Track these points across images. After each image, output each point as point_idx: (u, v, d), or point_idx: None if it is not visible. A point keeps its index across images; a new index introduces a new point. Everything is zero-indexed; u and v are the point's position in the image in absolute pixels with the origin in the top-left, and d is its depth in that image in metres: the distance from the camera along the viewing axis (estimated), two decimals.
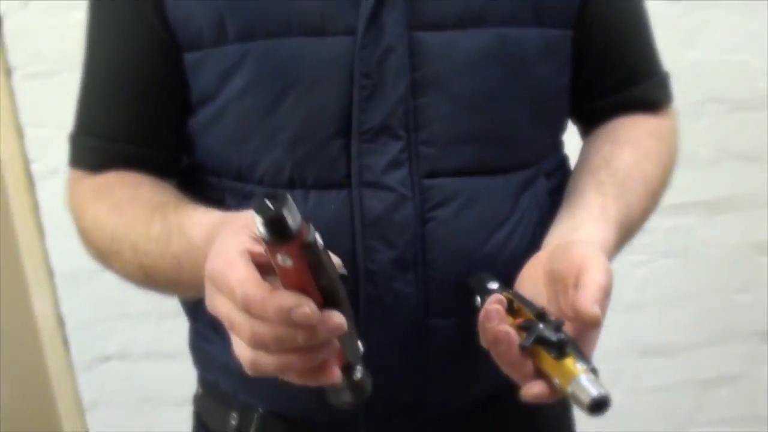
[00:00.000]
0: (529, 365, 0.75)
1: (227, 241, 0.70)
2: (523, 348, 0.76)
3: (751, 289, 1.96)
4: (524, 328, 0.77)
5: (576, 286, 0.75)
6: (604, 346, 1.94)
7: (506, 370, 0.76)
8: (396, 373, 0.92)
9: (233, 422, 1.01)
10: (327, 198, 0.88)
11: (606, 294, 0.75)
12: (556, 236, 0.87)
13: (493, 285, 0.85)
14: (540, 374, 0.75)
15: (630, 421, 2.02)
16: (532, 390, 0.74)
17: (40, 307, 1.93)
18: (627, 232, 0.91)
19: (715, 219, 1.91)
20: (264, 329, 0.65)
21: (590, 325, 0.74)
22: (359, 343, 0.73)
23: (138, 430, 1.95)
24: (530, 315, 0.78)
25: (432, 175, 0.88)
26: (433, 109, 0.87)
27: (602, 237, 0.85)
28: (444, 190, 0.88)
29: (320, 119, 0.86)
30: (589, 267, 0.76)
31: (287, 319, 0.64)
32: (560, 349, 0.73)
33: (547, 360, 0.74)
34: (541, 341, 0.75)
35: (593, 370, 0.72)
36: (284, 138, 0.87)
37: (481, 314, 0.77)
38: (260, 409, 0.98)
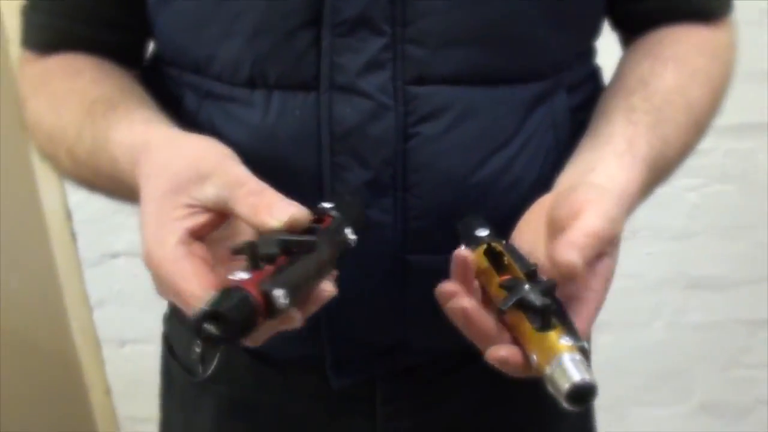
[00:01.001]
0: (505, 337, 0.64)
1: (161, 228, 0.63)
2: (500, 312, 0.63)
3: None
4: (506, 287, 0.64)
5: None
6: (645, 275, 1.83)
7: (478, 344, 0.65)
8: (369, 314, 0.80)
9: (197, 350, 0.89)
10: (292, 101, 0.74)
11: (597, 242, 0.63)
12: (570, 175, 0.73)
13: (483, 232, 0.71)
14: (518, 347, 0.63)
15: (668, 357, 1.90)
16: (499, 352, 0.62)
17: (48, 199, 1.87)
18: (660, 171, 0.76)
19: None
20: None
21: (565, 277, 0.62)
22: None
23: (145, 330, 1.88)
24: (520, 273, 0.65)
25: (420, 81, 0.73)
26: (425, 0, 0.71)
27: (624, 179, 0.70)
28: (433, 101, 0.74)
29: (286, 5, 0.72)
30: (584, 212, 0.62)
31: None
32: (544, 318, 0.60)
33: (528, 330, 0.61)
34: (523, 305, 0.62)
35: (582, 350, 0.59)
36: (243, 27, 0.73)
37: (438, 288, 0.65)
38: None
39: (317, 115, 0.73)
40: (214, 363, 0.87)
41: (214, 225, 0.65)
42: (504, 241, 0.69)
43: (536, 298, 0.61)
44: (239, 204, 0.63)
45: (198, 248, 0.63)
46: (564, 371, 0.57)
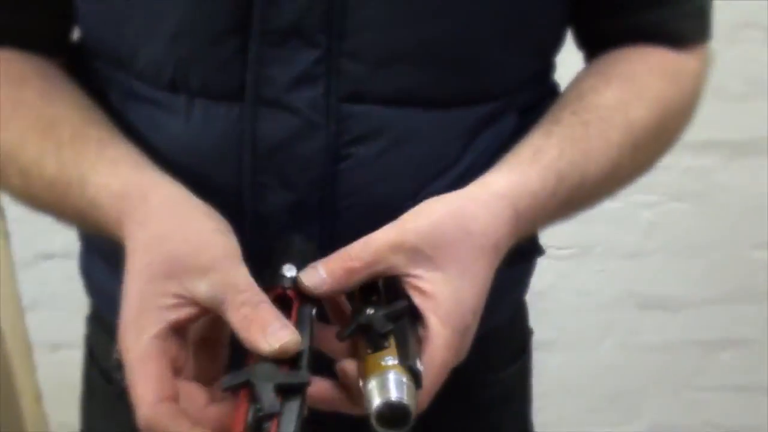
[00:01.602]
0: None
1: (142, 313, 0.59)
2: (341, 338, 0.61)
3: None
4: (355, 311, 0.62)
5: None
6: (597, 294, 1.79)
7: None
8: None
9: (116, 356, 0.83)
10: (214, 112, 0.68)
11: (357, 252, 0.62)
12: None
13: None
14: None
15: (618, 378, 1.87)
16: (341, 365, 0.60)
17: None
18: (579, 186, 0.69)
19: (739, 162, 1.70)
20: None
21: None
22: None
23: (78, 334, 1.78)
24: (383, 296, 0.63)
25: (355, 99, 0.67)
26: (365, 11, 0.65)
27: (507, 181, 0.65)
28: (368, 121, 0.67)
29: (211, 7, 0.65)
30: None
31: None
32: (376, 339, 0.58)
33: (363, 354, 0.59)
34: (363, 330, 0.59)
35: (411, 371, 0.55)
36: (166, 27, 0.67)
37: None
38: None
39: (240, 129, 0.67)
40: None
41: (198, 318, 0.61)
42: None
43: (378, 322, 0.59)
44: (232, 312, 0.58)
45: (172, 346, 0.59)
46: (380, 388, 0.54)
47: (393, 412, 0.53)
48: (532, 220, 0.66)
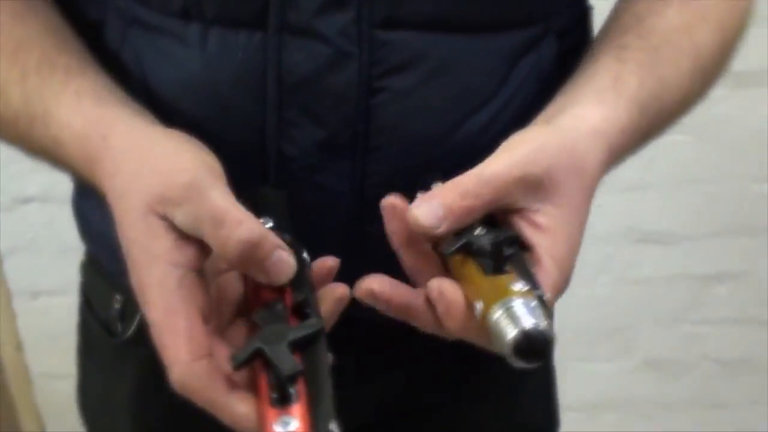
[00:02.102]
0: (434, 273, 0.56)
1: (154, 262, 0.54)
2: (445, 256, 0.55)
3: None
4: (456, 232, 0.55)
5: None
6: (594, 228, 1.74)
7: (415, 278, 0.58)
8: None
9: (116, 305, 0.81)
10: (233, 41, 0.62)
11: (485, 191, 0.55)
12: (540, 119, 0.63)
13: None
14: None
15: (615, 313, 1.84)
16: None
17: None
18: (655, 117, 0.65)
19: (743, 93, 1.63)
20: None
21: (416, 231, 0.56)
22: None
23: (60, 280, 1.74)
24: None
25: (389, 25, 0.61)
26: None
27: (599, 116, 0.60)
28: (404, 49, 0.62)
29: None
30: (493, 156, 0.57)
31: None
32: (496, 261, 0.51)
33: (474, 275, 0.52)
34: (472, 250, 0.53)
35: (540, 299, 0.49)
36: None
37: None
38: None
39: (263, 60, 0.61)
40: (136, 321, 0.79)
41: (207, 254, 0.55)
42: None
43: (488, 242, 0.52)
44: (215, 246, 0.54)
45: (197, 293, 0.54)
46: (512, 316, 0.48)
47: (535, 341, 0.47)
48: (618, 158, 0.62)
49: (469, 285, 0.53)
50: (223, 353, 0.54)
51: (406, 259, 0.58)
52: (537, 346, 0.47)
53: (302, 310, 0.55)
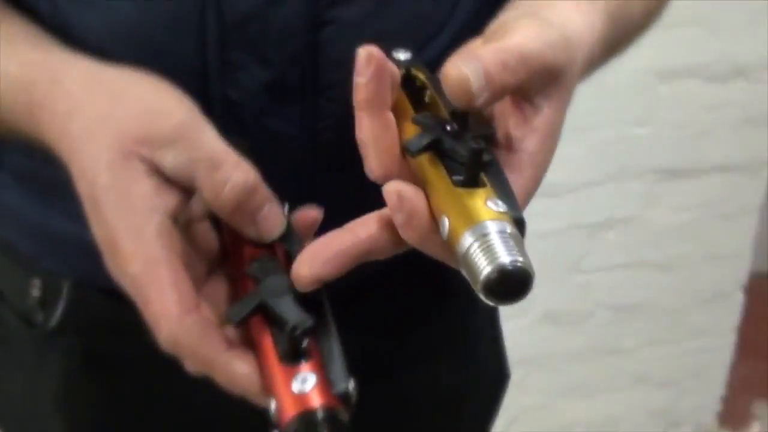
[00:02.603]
0: (404, 170, 0.49)
1: (130, 211, 0.49)
2: (409, 154, 0.47)
3: (650, 122, 1.75)
4: (421, 124, 0.48)
5: None
6: None
7: (374, 171, 0.49)
8: None
9: (35, 292, 0.74)
10: None
11: (517, 63, 0.47)
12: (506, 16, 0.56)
13: (403, 55, 0.55)
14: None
15: None
16: (395, 186, 0.46)
17: None
18: (621, 33, 0.62)
19: None
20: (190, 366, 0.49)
21: (458, 100, 0.46)
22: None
23: None
24: (444, 111, 0.50)
25: None
26: None
27: (581, 23, 0.54)
28: None
29: None
30: (511, 32, 0.48)
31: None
32: (470, 169, 0.45)
33: (442, 184, 0.46)
34: (441, 150, 0.47)
35: (518, 223, 0.44)
36: None
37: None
38: (71, 279, 0.72)
39: None
40: (60, 308, 0.73)
41: (186, 202, 0.51)
42: (428, 72, 0.54)
43: (463, 145, 0.46)
44: (208, 193, 0.50)
45: (177, 242, 0.50)
46: (487, 248, 0.41)
47: (512, 278, 0.40)
48: (589, 71, 0.58)
49: (435, 194, 0.46)
50: (205, 310, 0.49)
51: (367, 127, 0.48)
52: (514, 284, 0.41)
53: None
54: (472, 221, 0.42)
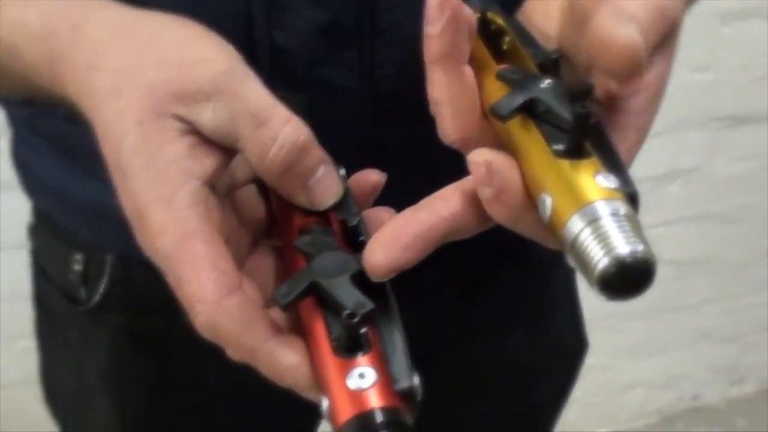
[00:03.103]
0: (486, 135, 0.43)
1: (161, 176, 0.43)
2: (499, 118, 0.41)
3: (712, 67, 1.67)
4: (509, 80, 0.42)
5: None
6: None
7: (450, 136, 0.43)
8: None
9: (77, 267, 0.69)
10: None
11: (660, 18, 0.41)
12: None
13: None
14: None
15: None
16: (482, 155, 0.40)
17: None
18: None
19: None
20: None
21: (619, 71, 0.40)
22: None
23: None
24: (530, 62, 0.43)
25: None
26: None
27: None
28: None
29: None
30: None
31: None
32: (574, 137, 0.38)
33: (541, 155, 0.39)
34: (537, 111, 0.40)
35: (633, 200, 0.38)
36: None
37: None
38: (113, 253, 0.68)
39: None
40: (103, 284, 0.68)
41: (227, 164, 0.45)
42: (505, 15, 0.47)
43: (560, 103, 0.39)
44: (252, 153, 0.44)
45: (215, 212, 0.43)
46: (601, 233, 0.36)
47: (628, 273, 0.35)
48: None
49: (532, 166, 0.40)
50: (249, 289, 0.44)
51: (441, 85, 0.42)
52: (635, 278, 0.35)
53: (355, 238, 0.44)
54: (580, 201, 0.37)
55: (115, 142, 0.43)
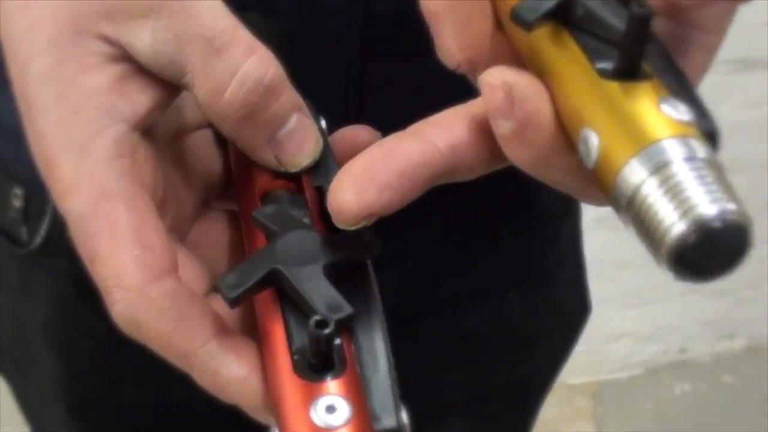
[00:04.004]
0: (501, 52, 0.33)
1: (74, 117, 0.32)
2: (522, 22, 0.30)
3: None
4: None
5: None
6: None
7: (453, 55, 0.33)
8: None
9: (17, 203, 0.60)
10: None
11: None
12: None
13: None
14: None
15: None
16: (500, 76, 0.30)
17: None
18: None
19: None
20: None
21: None
22: None
23: None
24: None
25: None
26: None
27: None
28: None
29: None
30: None
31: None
32: (633, 50, 0.28)
33: (580, 73, 0.30)
34: (573, 18, 0.30)
35: (710, 136, 0.28)
36: None
37: None
38: None
39: None
40: (45, 225, 0.59)
41: (168, 104, 0.35)
42: None
43: (606, 4, 0.30)
44: (202, 86, 0.33)
45: (148, 164, 0.34)
46: (673, 185, 0.26)
47: (716, 242, 0.25)
48: None
49: (569, 90, 0.30)
50: (187, 269, 0.34)
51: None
52: (723, 250, 0.26)
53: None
54: (641, 140, 0.27)
55: (21, 64, 0.33)
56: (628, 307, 1.86)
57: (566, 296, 0.74)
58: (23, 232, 0.60)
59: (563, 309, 0.74)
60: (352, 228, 0.32)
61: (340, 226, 0.32)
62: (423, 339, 0.64)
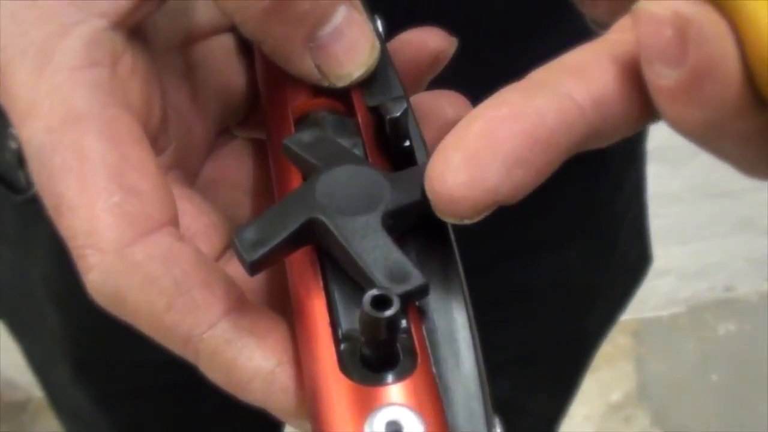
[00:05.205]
0: None
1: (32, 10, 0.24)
2: None
3: None
4: None
5: None
6: None
7: None
8: None
9: (13, 144, 0.53)
10: None
11: None
12: None
13: None
14: None
15: None
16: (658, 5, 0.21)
17: None
18: None
19: None
20: None
21: None
22: None
23: None
24: None
25: None
26: None
27: None
28: None
29: None
30: None
31: None
32: None
33: None
34: None
35: None
36: None
37: None
38: None
39: None
40: None
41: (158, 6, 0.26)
42: None
43: None
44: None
45: (136, 78, 0.25)
46: None
47: None
48: None
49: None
50: (201, 220, 0.27)
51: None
52: None
53: (397, 142, 0.25)
54: None
55: None
56: (674, 243, 1.79)
57: (628, 247, 0.67)
58: (21, 176, 0.53)
59: (624, 261, 0.67)
60: (468, 222, 0.23)
61: (449, 220, 0.23)
62: (472, 296, 0.57)
